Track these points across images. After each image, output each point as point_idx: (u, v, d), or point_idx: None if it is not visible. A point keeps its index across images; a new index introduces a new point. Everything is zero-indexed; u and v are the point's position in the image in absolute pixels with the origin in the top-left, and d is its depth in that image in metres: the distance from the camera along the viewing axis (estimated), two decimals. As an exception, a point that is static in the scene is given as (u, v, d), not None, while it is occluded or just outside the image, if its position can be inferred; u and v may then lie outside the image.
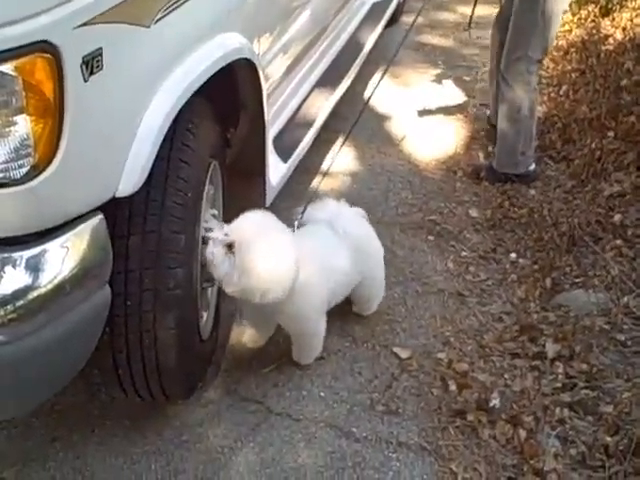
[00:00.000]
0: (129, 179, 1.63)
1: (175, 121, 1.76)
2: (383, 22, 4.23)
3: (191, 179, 1.86)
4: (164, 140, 1.72)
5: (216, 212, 2.20)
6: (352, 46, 3.81)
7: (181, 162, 1.83)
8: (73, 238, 1.55)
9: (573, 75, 4.09)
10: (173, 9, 1.68)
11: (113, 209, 1.69)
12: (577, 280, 2.78)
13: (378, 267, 2.50)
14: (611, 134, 3.49)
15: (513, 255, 2.98)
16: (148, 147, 1.65)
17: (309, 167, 3.32)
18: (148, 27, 1.60)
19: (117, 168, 1.61)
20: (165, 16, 1.65)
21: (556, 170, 3.51)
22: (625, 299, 2.61)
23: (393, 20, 4.86)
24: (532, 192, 3.37)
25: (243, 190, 2.53)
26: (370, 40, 4.01)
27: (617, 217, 3.05)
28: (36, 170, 1.44)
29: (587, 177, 3.36)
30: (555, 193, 3.34)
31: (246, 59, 2.07)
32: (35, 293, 1.49)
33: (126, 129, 1.62)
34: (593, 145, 3.45)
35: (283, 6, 2.54)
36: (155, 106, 1.65)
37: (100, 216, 1.61)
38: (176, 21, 1.70)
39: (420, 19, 5.24)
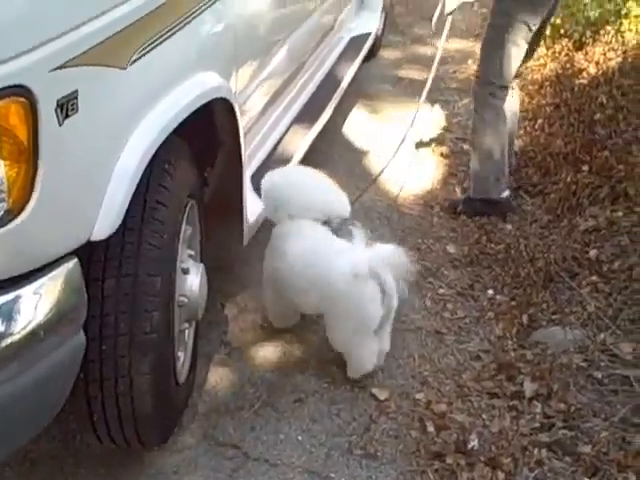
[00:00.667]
0: (105, 222, 1.62)
1: (152, 162, 1.75)
2: (361, 57, 4.26)
3: (167, 220, 1.85)
4: (140, 181, 1.71)
5: (193, 252, 2.19)
6: (330, 81, 3.83)
7: (157, 203, 1.82)
8: (47, 283, 1.53)
9: (548, 109, 4.13)
10: (149, 50, 1.68)
11: (88, 252, 1.67)
12: (554, 317, 2.79)
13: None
14: (586, 168, 3.52)
15: (490, 291, 2.99)
16: (124, 190, 1.64)
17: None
18: (124, 69, 1.60)
19: (92, 212, 1.60)
20: (141, 57, 1.65)
21: (532, 204, 3.54)
22: (602, 336, 2.62)
23: (371, 55, 4.90)
24: (509, 227, 3.38)
25: (221, 228, 2.53)
26: (348, 75, 4.04)
27: (593, 252, 3.06)
28: (10, 215, 1.42)
29: (563, 212, 3.38)
30: (532, 228, 3.36)
31: (223, 98, 2.07)
32: (9, 340, 1.46)
33: (101, 172, 1.61)
34: (568, 179, 3.48)
35: (261, 43, 2.55)
36: (131, 148, 1.65)
37: (75, 260, 1.59)
38: (152, 62, 1.70)
39: (398, 53, 5.32)
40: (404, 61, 5.18)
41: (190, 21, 1.85)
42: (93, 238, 1.61)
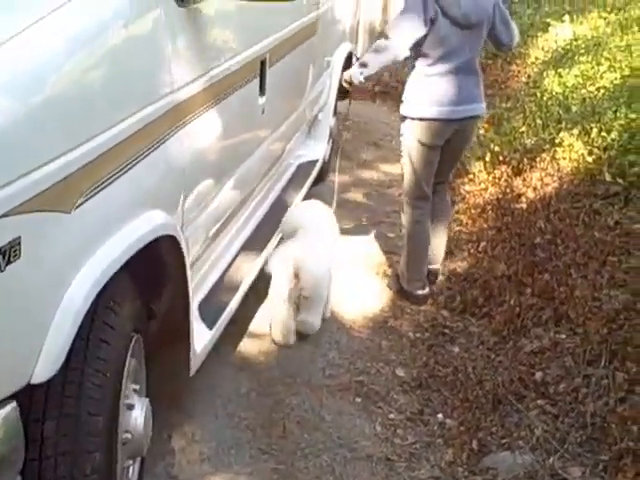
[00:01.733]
0: (46, 364, 1.60)
1: (96, 300, 1.76)
2: (309, 183, 4.38)
3: (111, 358, 1.84)
4: (84, 320, 1.71)
5: (138, 387, 2.16)
6: (279, 207, 3.92)
7: (101, 341, 1.81)
8: (-17, 429, 1.50)
9: (490, 232, 4.27)
10: (94, 194, 1.72)
11: (28, 393, 1.64)
12: (503, 441, 2.80)
13: None
14: (529, 291, 3.62)
15: (440, 416, 2.99)
16: (66, 331, 1.63)
17: (234, 327, 3.31)
18: (69, 213, 1.63)
19: (33, 354, 1.58)
20: (86, 201, 1.69)
21: (479, 326, 3.60)
22: (550, 460, 2.63)
23: (320, 179, 5.03)
24: (456, 349, 3.43)
25: (167, 358, 2.51)
26: (297, 200, 4.13)
27: (538, 374, 3.11)
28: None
29: (508, 333, 3.45)
30: (479, 350, 3.41)
31: (168, 235, 2.11)
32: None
33: (44, 315, 1.61)
34: (512, 302, 3.57)
35: (209, 178, 2.61)
36: (75, 289, 1.66)
37: (13, 404, 1.56)
38: (97, 205, 1.73)
39: (345, 177, 5.47)
40: (351, 185, 5.34)
41: (136, 164, 1.90)
42: (34, 381, 1.59)
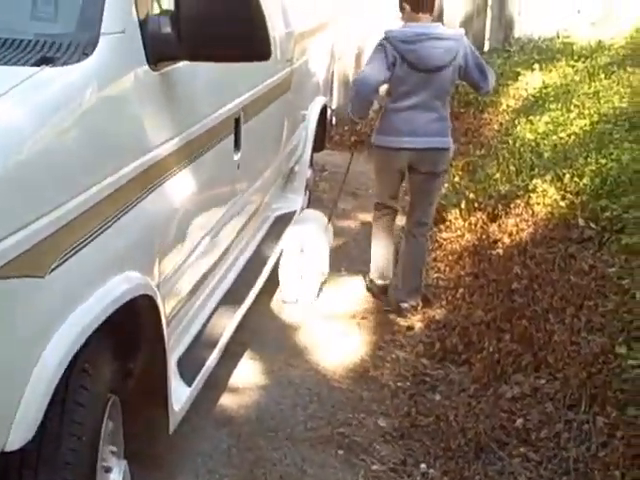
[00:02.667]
0: (19, 431, 1.59)
1: (71, 362, 1.75)
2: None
3: (87, 421, 1.83)
4: (58, 384, 1.70)
5: (116, 449, 2.14)
6: (257, 260, 3.93)
7: (77, 405, 1.80)
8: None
9: (467, 279, 4.30)
10: (69, 257, 1.73)
11: (2, 461, 1.63)
12: (487, 491, 2.79)
13: None
14: (507, 337, 3.64)
15: (423, 466, 2.97)
16: (40, 397, 1.62)
17: (214, 382, 3.30)
18: (43, 277, 1.63)
19: (6, 421, 1.57)
20: (60, 265, 1.69)
21: (459, 373, 3.60)
22: (534, 508, 2.62)
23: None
24: (437, 397, 3.42)
25: (145, 417, 2.49)
26: (275, 252, 4.15)
27: (519, 421, 3.12)
28: None
29: (488, 380, 3.45)
30: (460, 397, 3.40)
31: (144, 295, 2.11)
32: None
33: (17, 381, 1.60)
34: (491, 348, 3.58)
35: (185, 235, 2.63)
36: (49, 355, 1.65)
37: (-14, 472, 1.55)
38: (72, 268, 1.74)
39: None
40: (330, 234, 5.35)
41: (111, 226, 1.92)
42: (7, 449, 1.57)
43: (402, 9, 3.95)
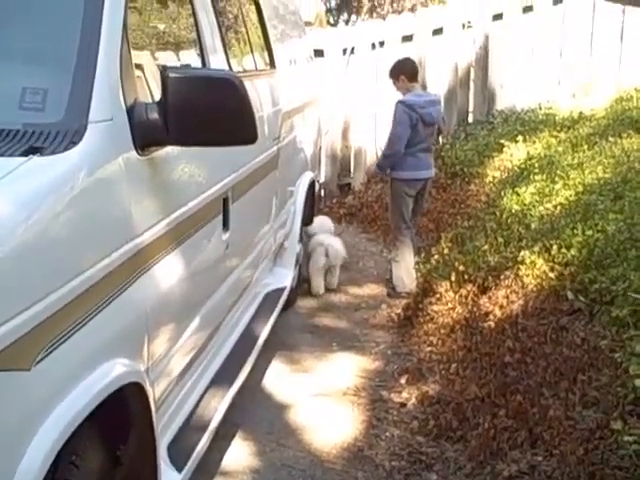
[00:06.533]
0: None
1: (58, 454, 1.71)
2: (277, 311, 4.38)
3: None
4: (44, 478, 1.65)
5: None
6: (247, 338, 3.90)
7: (63, 500, 1.75)
8: None
9: (460, 353, 4.27)
10: (55, 348, 1.70)
11: None
12: None
13: None
14: (502, 412, 3.59)
15: None
16: (25, 492, 1.58)
17: (205, 466, 3.22)
18: (28, 370, 1.60)
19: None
20: (46, 356, 1.67)
21: (455, 451, 3.54)
22: None
23: (288, 305, 5.05)
24: (433, 477, 3.35)
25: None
26: (265, 329, 4.12)
27: (518, 500, 3.05)
28: None
29: (485, 458, 3.39)
30: (456, 476, 3.33)
31: (133, 382, 2.08)
32: None
33: (2, 473, 1.56)
34: (486, 424, 3.53)
35: (174, 318, 2.61)
36: (34, 449, 1.61)
37: None
38: (58, 358, 1.71)
39: (313, 302, 5.51)
40: (320, 309, 5.36)
41: (98, 313, 1.90)
42: None
43: (397, 79, 5.43)
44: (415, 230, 5.87)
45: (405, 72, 5.41)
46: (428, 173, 5.54)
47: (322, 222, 6.05)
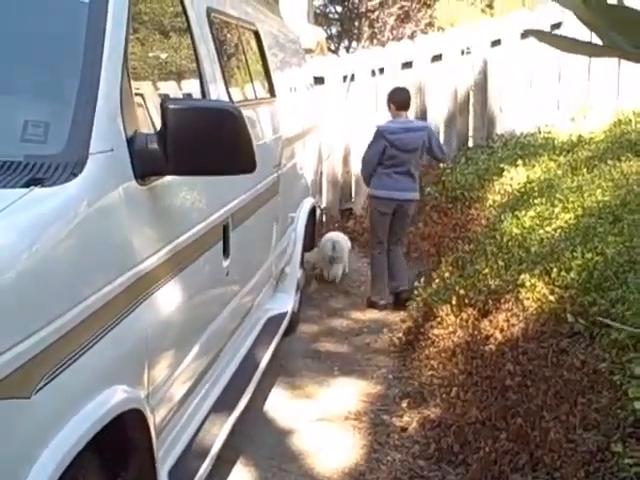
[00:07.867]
0: None
1: (58, 480, 1.73)
2: (278, 337, 4.40)
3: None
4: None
5: None
6: (249, 363, 3.92)
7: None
8: None
9: (461, 377, 4.27)
10: (55, 376, 1.73)
11: None
12: None
13: None
14: (503, 435, 3.59)
15: None
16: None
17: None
18: (28, 398, 1.63)
19: None
20: (47, 384, 1.69)
21: (456, 475, 3.54)
22: None
23: (290, 330, 5.07)
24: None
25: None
26: (267, 355, 4.14)
27: (521, 525, 3.04)
28: None
29: (487, 481, 3.39)
30: (459, 501, 3.34)
31: (133, 408, 2.10)
32: None
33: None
34: (487, 448, 3.53)
35: (175, 344, 2.63)
36: (35, 476, 1.63)
37: None
38: (58, 386, 1.74)
39: (315, 327, 5.53)
40: (321, 334, 5.38)
41: (99, 340, 1.93)
42: None
43: (389, 107, 5.93)
44: (404, 249, 6.32)
45: (394, 101, 5.92)
46: (404, 195, 5.88)
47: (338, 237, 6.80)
